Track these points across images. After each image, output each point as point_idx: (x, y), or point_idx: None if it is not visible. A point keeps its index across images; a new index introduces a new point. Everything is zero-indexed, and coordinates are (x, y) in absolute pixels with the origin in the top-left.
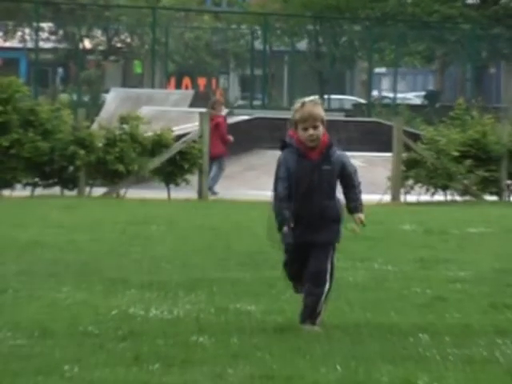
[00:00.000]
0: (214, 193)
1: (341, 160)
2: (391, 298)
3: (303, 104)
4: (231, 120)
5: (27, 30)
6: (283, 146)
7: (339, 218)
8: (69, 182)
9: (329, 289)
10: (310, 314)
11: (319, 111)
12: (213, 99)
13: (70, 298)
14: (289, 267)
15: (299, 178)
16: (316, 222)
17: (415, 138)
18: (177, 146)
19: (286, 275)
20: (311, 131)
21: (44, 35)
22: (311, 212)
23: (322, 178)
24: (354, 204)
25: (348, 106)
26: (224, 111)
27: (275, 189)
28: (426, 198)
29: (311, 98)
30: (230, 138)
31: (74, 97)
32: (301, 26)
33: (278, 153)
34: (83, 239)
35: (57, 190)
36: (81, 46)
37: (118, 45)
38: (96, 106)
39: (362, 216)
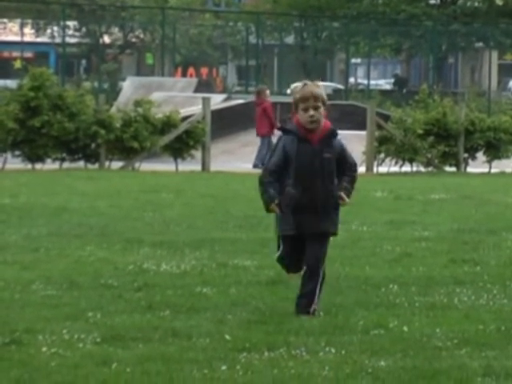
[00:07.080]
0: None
1: (339, 147)
2: (366, 254)
3: (305, 84)
4: (230, 103)
5: (55, 28)
6: (283, 130)
7: (339, 204)
8: (91, 157)
9: (322, 278)
10: (307, 302)
11: (321, 92)
12: (258, 87)
13: (92, 255)
14: (287, 260)
15: (300, 163)
16: (318, 210)
17: (386, 118)
18: (183, 126)
19: (282, 266)
20: (312, 112)
21: (70, 32)
22: (314, 199)
23: (324, 164)
24: (341, 185)
25: (329, 91)
26: (269, 97)
27: (266, 164)
28: (395, 169)
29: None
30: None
31: (96, 84)
32: (288, 23)
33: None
34: (104, 205)
35: (81, 163)
36: (101, 41)
37: (133, 40)
38: (114, 92)
39: (342, 194)
